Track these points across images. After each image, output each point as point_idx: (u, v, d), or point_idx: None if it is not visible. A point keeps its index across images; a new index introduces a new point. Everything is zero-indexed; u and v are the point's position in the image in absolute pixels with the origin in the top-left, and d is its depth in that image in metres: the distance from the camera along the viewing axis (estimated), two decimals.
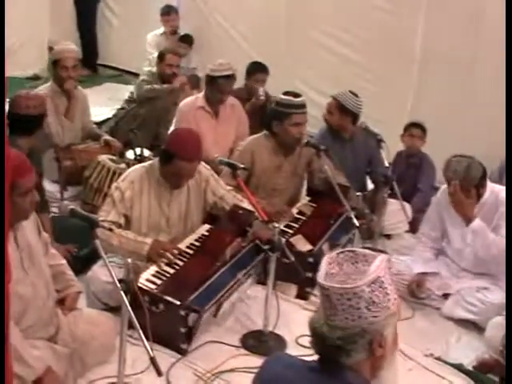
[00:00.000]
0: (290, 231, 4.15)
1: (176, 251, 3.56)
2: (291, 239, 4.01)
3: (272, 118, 4.31)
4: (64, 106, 5.04)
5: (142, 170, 3.73)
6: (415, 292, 4.00)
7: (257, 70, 5.85)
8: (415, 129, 5.04)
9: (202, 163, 3.87)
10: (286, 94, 4.29)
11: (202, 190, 3.88)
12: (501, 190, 3.87)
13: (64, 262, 3.25)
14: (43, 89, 5.00)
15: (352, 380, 1.86)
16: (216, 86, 5.04)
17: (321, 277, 1.80)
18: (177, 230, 3.83)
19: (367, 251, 1.87)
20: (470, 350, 3.67)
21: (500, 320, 3.51)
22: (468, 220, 3.80)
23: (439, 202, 4.08)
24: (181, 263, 3.58)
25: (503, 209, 3.79)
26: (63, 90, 5.00)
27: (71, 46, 5.17)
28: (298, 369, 1.93)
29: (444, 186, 4.02)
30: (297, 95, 4.28)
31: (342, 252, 1.86)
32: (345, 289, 1.76)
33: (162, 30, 7.77)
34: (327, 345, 1.81)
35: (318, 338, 1.82)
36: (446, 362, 3.55)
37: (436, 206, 4.10)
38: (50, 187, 4.84)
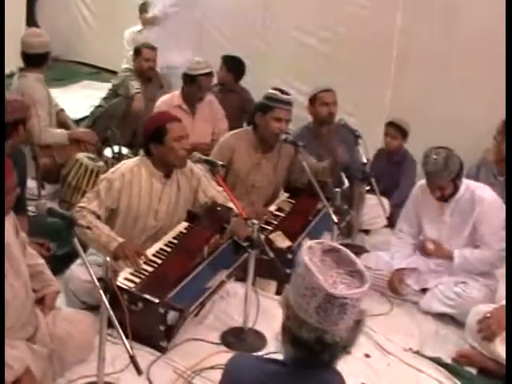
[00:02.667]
0: (269, 228, 4.16)
1: (142, 260, 3.49)
2: (270, 236, 4.02)
3: (256, 109, 4.33)
4: (45, 92, 5.05)
5: (134, 164, 3.71)
6: (398, 288, 4.02)
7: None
8: (389, 128, 5.07)
9: (191, 164, 3.88)
10: (274, 88, 4.33)
11: (193, 189, 3.88)
12: (476, 188, 3.92)
13: (42, 261, 3.23)
14: (30, 79, 4.98)
15: (330, 378, 1.88)
16: (195, 84, 5.06)
17: (328, 287, 1.75)
18: (163, 223, 3.82)
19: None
20: (447, 344, 3.72)
21: (483, 308, 3.55)
22: (450, 259, 3.91)
23: (415, 197, 4.11)
24: (159, 261, 3.57)
25: (480, 208, 3.84)
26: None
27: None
28: (270, 372, 1.90)
29: (420, 182, 4.05)
30: (285, 92, 4.31)
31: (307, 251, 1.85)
32: (362, 292, 1.78)
33: (139, 27, 7.72)
34: (334, 349, 1.81)
35: (325, 347, 1.80)
36: (424, 356, 3.58)
37: (412, 202, 4.13)
38: (28, 184, 4.79)
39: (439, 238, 4.02)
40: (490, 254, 3.87)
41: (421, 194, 4.04)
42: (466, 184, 3.92)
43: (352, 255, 1.86)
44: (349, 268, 1.83)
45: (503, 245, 3.83)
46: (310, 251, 1.82)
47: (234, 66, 6.02)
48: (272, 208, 4.44)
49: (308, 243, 1.86)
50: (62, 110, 5.49)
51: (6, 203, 2.74)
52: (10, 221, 2.90)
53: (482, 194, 3.88)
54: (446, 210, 3.95)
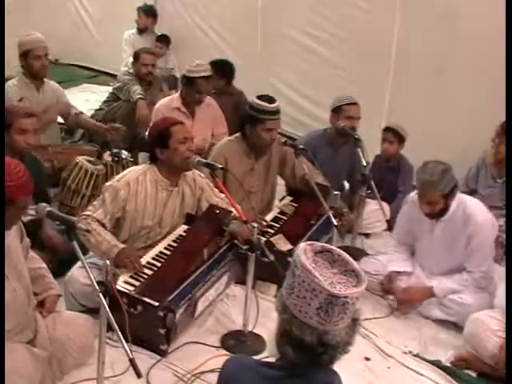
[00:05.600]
0: (271, 231, 4.17)
1: (140, 264, 3.49)
2: (272, 238, 4.02)
3: (245, 121, 4.27)
4: (34, 99, 5.04)
5: (139, 173, 3.71)
6: (386, 287, 4.01)
7: None
8: (386, 133, 5.02)
9: (197, 172, 3.89)
10: (260, 97, 4.20)
11: (196, 198, 3.89)
12: (467, 205, 3.80)
13: (44, 265, 3.24)
14: (12, 83, 5.04)
15: (329, 379, 1.87)
16: (194, 87, 5.05)
17: (329, 287, 1.75)
18: (167, 230, 3.83)
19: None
20: (447, 347, 3.71)
21: (478, 316, 3.53)
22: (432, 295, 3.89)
23: (408, 211, 4.06)
24: (159, 264, 3.57)
25: (473, 228, 3.76)
26: (33, 82, 5.03)
27: (39, 36, 5.13)
28: (267, 376, 1.91)
29: (412, 195, 3.98)
30: (271, 100, 4.18)
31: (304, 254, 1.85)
32: (362, 291, 1.79)
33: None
34: (335, 349, 1.82)
35: (327, 348, 1.81)
36: (424, 359, 3.58)
37: (404, 215, 4.10)
38: None
39: (432, 252, 3.98)
40: (470, 276, 3.84)
41: (413, 206, 3.95)
42: (458, 200, 3.81)
43: (345, 254, 1.86)
44: (342, 268, 1.83)
45: (487, 265, 3.83)
46: (304, 253, 1.83)
47: (223, 70, 5.98)
48: (275, 211, 4.45)
49: (301, 245, 1.86)
50: (79, 113, 5.52)
51: (17, 219, 2.75)
52: (15, 227, 2.89)
53: (474, 213, 3.77)
54: (436, 226, 3.89)
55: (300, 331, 1.80)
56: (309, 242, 1.88)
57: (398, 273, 4.04)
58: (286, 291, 1.84)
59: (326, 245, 1.89)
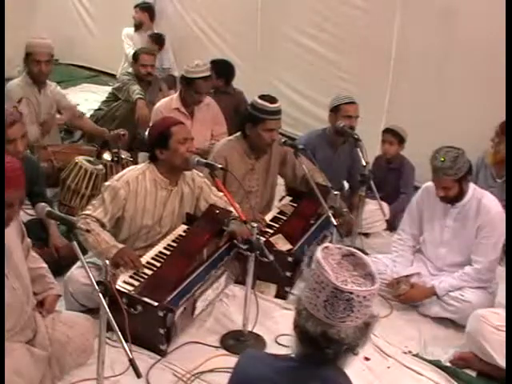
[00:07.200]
0: (271, 230, 4.17)
1: (139, 263, 3.49)
2: (271, 238, 4.02)
3: (246, 120, 4.28)
4: (36, 100, 5.05)
5: (139, 172, 3.70)
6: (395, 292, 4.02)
7: None
8: (386, 134, 5.05)
9: (195, 172, 3.89)
10: (262, 97, 4.21)
11: (195, 197, 3.90)
12: (483, 196, 3.86)
13: (44, 265, 3.24)
14: (15, 82, 5.06)
15: (333, 375, 1.88)
16: (192, 88, 5.04)
17: (336, 282, 1.79)
18: (167, 230, 3.83)
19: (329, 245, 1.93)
20: (447, 347, 3.71)
21: (481, 312, 3.52)
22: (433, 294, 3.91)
23: (420, 198, 4.09)
24: (158, 264, 3.57)
25: (485, 218, 3.80)
26: (35, 83, 5.04)
27: (45, 41, 5.12)
28: (276, 367, 1.94)
29: (427, 184, 4.03)
30: (273, 100, 4.19)
31: (322, 250, 1.89)
32: (369, 291, 1.81)
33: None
34: (339, 346, 1.83)
35: (330, 342, 1.83)
36: (423, 359, 3.58)
37: (416, 202, 4.12)
38: None
39: (441, 241, 4.00)
40: (472, 269, 3.85)
41: (426, 194, 4.02)
42: (473, 190, 3.87)
43: (366, 258, 1.90)
44: (363, 271, 1.87)
45: (493, 256, 3.83)
46: (325, 251, 1.88)
47: (222, 69, 5.97)
48: (274, 211, 4.45)
49: (326, 244, 1.92)
50: (82, 115, 5.54)
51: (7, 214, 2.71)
52: (14, 225, 2.89)
53: (489, 204, 3.83)
54: (450, 213, 3.93)
55: (306, 322, 1.85)
56: (336, 245, 1.93)
57: (406, 276, 4.05)
58: (303, 285, 1.91)
59: (350, 248, 1.93)
